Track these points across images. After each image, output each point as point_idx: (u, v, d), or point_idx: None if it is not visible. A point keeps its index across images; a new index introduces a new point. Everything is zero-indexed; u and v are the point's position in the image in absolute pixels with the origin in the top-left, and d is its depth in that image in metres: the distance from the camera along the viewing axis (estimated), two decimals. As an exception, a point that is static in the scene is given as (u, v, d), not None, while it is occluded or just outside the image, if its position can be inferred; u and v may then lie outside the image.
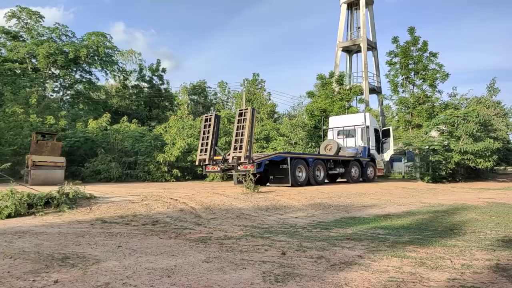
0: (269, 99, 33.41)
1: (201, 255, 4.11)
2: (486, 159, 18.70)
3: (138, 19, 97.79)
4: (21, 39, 28.91)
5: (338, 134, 19.12)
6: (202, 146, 12.95)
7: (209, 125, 12.91)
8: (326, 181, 15.68)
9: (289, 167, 12.89)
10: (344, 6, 32.08)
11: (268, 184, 13.90)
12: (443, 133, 20.29)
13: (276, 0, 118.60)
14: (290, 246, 4.63)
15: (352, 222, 6.91)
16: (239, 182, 14.10)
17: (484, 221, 6.98)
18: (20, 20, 28.73)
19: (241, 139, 11.77)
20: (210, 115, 13.19)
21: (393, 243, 4.88)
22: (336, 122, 19.68)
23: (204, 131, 13.06)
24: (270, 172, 13.62)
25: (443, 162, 18.64)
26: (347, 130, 18.73)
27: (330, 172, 15.67)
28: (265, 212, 7.95)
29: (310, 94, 29.86)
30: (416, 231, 5.95)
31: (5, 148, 16.85)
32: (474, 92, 32.31)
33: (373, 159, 18.16)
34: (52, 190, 7.52)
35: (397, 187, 15.11)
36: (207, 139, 12.80)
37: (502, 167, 30.37)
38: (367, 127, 17.91)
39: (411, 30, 27.17)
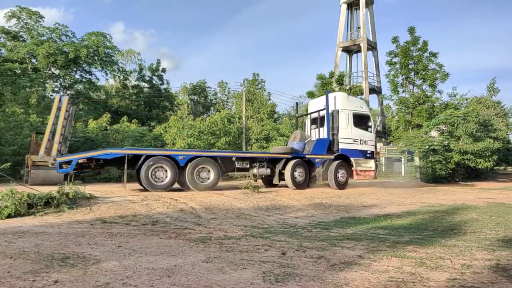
0: (269, 99, 33.41)
1: (201, 255, 4.11)
2: (486, 159, 18.71)
3: (138, 19, 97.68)
4: (21, 39, 28.89)
5: (311, 123, 14.84)
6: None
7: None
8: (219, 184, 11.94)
9: (140, 167, 10.34)
10: (344, 6, 32.13)
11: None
12: (443, 133, 20.30)
13: (276, 0, 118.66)
14: (290, 246, 4.62)
15: (352, 222, 6.91)
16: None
17: (484, 221, 6.98)
18: (20, 20, 28.71)
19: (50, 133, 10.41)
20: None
21: (393, 243, 4.88)
22: (311, 107, 15.34)
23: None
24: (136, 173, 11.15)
25: (443, 162, 18.64)
26: (316, 118, 14.29)
27: (238, 173, 12.17)
28: (265, 212, 7.95)
29: (310, 94, 29.89)
30: (416, 231, 5.95)
31: (5, 148, 16.85)
32: (474, 92, 32.37)
33: (345, 157, 13.21)
34: (52, 190, 7.51)
35: (397, 188, 15.09)
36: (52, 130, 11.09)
37: (502, 167, 30.41)
38: (337, 111, 13.18)
39: (411, 30, 27.21)
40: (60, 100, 10.41)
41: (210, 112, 39.14)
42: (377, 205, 9.66)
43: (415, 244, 4.82)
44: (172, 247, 4.53)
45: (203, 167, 11.08)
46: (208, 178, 11.12)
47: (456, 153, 18.63)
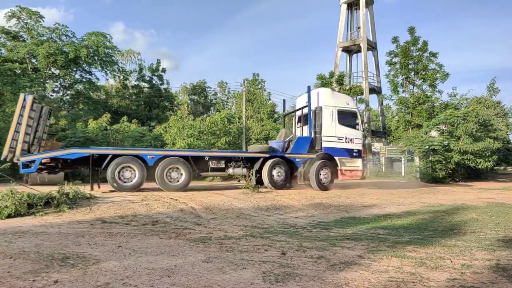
0: (269, 99, 33.40)
1: (201, 255, 4.11)
2: (486, 159, 18.71)
3: (138, 19, 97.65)
4: (21, 39, 28.87)
5: (298, 121, 14.07)
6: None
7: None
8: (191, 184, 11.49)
9: (107, 167, 10.13)
10: (344, 6, 32.11)
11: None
12: (443, 133, 20.30)
13: (276, 0, 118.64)
14: (290, 246, 4.62)
15: (352, 222, 6.91)
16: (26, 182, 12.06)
17: (484, 221, 6.98)
18: (20, 20, 28.68)
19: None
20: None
21: (393, 243, 4.88)
22: (298, 104, 14.67)
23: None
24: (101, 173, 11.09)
25: (443, 162, 18.63)
26: (301, 116, 13.61)
27: (212, 173, 11.96)
28: (265, 212, 7.95)
29: (310, 94, 29.84)
30: (416, 231, 5.95)
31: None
32: (474, 92, 32.33)
33: (329, 157, 12.53)
34: (52, 190, 7.52)
35: (397, 188, 15.09)
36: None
37: (502, 167, 30.41)
38: (319, 108, 12.51)
39: (411, 30, 27.19)
40: (24, 99, 10.22)
41: (210, 112, 39.13)
42: (377, 205, 9.65)
43: (415, 244, 4.82)
44: (172, 247, 4.53)
45: (173, 167, 10.68)
46: (179, 179, 10.71)
47: (456, 153, 18.63)
